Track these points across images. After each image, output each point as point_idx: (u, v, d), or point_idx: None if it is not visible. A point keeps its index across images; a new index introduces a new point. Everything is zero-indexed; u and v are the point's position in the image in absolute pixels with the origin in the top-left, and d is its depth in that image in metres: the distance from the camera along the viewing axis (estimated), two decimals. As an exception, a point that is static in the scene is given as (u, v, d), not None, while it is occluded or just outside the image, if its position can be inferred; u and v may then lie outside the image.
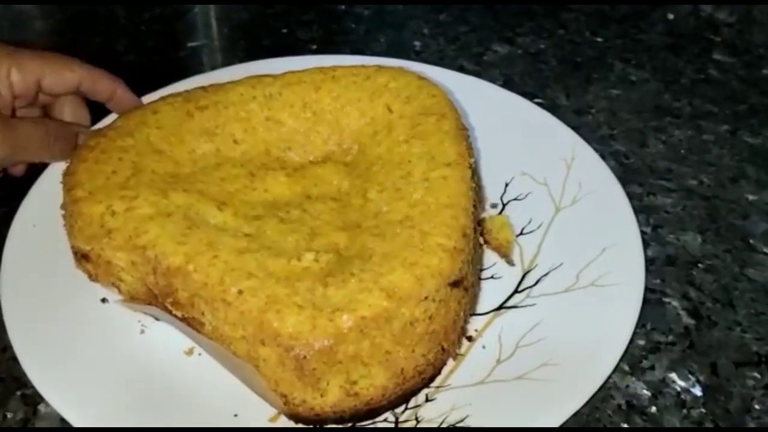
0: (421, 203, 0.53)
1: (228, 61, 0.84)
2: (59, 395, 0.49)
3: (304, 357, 0.45)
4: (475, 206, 0.55)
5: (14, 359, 0.51)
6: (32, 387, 0.50)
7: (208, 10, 0.93)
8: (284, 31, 0.90)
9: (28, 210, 0.61)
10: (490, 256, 0.60)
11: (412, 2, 0.93)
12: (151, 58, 0.86)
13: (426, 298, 0.47)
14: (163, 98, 0.63)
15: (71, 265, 0.56)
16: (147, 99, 0.65)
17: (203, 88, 0.64)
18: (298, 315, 0.46)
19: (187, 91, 0.63)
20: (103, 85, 0.64)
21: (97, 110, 0.69)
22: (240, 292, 0.47)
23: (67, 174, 0.56)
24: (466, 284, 0.51)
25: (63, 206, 0.56)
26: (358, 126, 0.62)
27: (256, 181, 0.57)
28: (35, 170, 0.64)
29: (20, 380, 0.52)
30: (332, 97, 0.63)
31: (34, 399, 0.52)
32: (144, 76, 0.81)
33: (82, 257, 0.55)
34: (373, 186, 0.56)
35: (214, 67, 0.82)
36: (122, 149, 0.57)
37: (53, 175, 0.62)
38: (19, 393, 0.52)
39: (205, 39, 0.90)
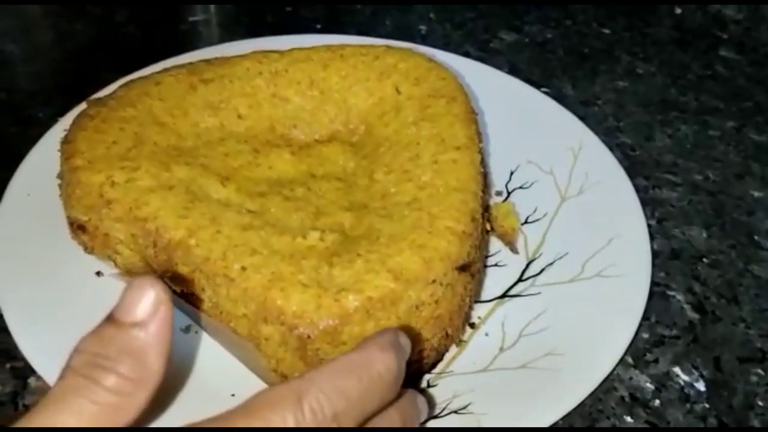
0: (430, 186, 0.52)
1: (229, 37, 0.82)
2: (51, 367, 0.47)
3: (308, 337, 0.44)
4: (483, 191, 0.54)
5: (4, 330, 0.50)
6: (22, 360, 0.49)
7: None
8: (288, 9, 0.88)
9: (22, 179, 0.59)
10: (494, 244, 0.59)
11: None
12: (152, 30, 0.84)
13: (433, 281, 0.47)
14: (166, 70, 0.61)
15: (66, 236, 0.55)
16: (150, 70, 0.63)
17: (208, 61, 0.62)
18: (303, 294, 0.45)
19: (191, 64, 0.62)
20: None
21: (96, 79, 0.67)
22: (243, 268, 0.46)
23: (65, 142, 0.55)
24: (473, 269, 0.50)
25: (60, 175, 0.54)
26: (365, 106, 0.60)
27: (260, 158, 0.56)
28: (29, 139, 0.63)
29: (9, 353, 0.51)
30: (340, 75, 0.61)
31: (24, 372, 0.50)
32: (144, 49, 0.80)
33: (78, 228, 0.53)
34: (380, 167, 0.55)
35: (215, 42, 0.80)
36: (123, 119, 0.56)
37: (48, 143, 0.61)
38: (8, 366, 0.51)
39: (207, 14, 0.88)
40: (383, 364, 0.36)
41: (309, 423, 0.33)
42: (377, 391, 0.36)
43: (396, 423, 0.38)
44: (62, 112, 0.66)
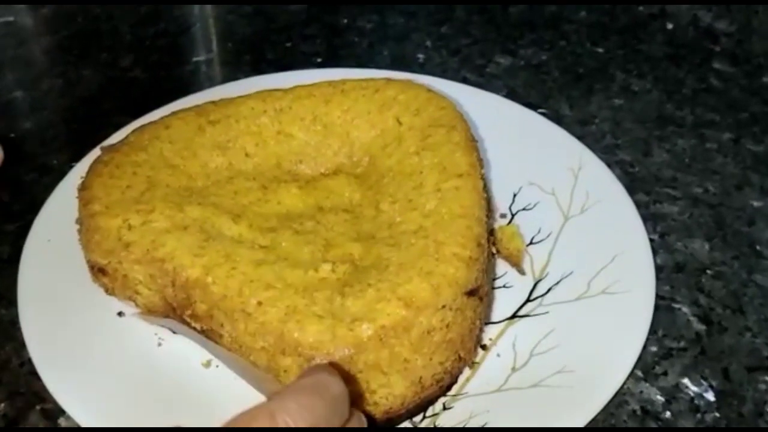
0: (435, 213, 0.53)
1: (233, 75, 0.84)
2: (80, 408, 0.49)
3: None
4: (487, 216, 0.56)
5: (33, 374, 0.52)
6: (51, 402, 0.51)
7: (209, 25, 0.94)
8: (288, 44, 0.91)
9: (43, 225, 0.61)
10: (501, 266, 0.61)
11: (414, 16, 0.94)
12: (157, 73, 0.86)
13: (443, 306, 0.48)
14: (174, 113, 0.63)
15: (87, 279, 0.56)
16: (157, 114, 0.65)
17: (213, 102, 0.64)
18: (319, 325, 0.46)
19: (197, 106, 0.64)
20: None
21: (106, 124, 0.69)
22: (259, 303, 0.48)
23: (82, 189, 0.56)
24: (481, 293, 0.51)
25: (78, 221, 0.56)
26: (368, 138, 0.62)
27: (269, 194, 0.58)
28: (44, 186, 0.65)
29: (39, 395, 0.52)
30: (342, 110, 0.63)
31: (54, 413, 0.52)
32: (151, 91, 0.82)
33: (98, 271, 0.55)
34: (385, 197, 0.57)
35: (219, 81, 0.82)
36: (136, 164, 0.58)
37: (66, 190, 0.62)
38: (38, 407, 0.52)
39: (209, 53, 0.90)
40: (337, 386, 0.40)
41: None
42: (338, 409, 0.39)
43: None
44: (75, 158, 0.68)
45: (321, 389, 0.39)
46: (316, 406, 0.38)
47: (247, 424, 0.36)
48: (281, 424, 0.36)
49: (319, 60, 0.88)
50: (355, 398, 0.47)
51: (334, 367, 0.45)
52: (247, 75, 0.82)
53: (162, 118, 0.63)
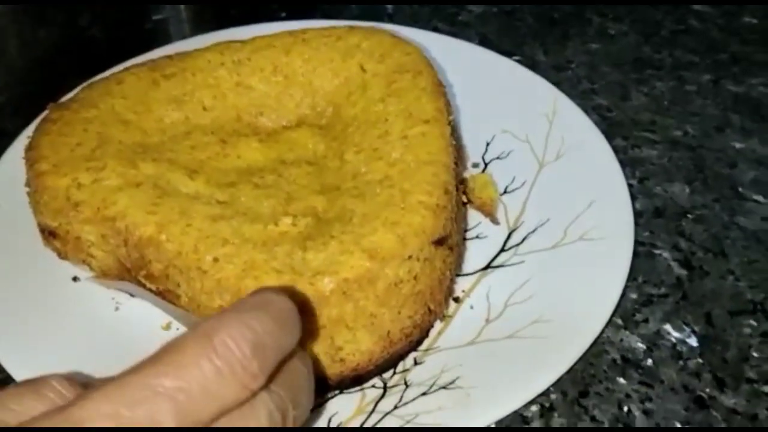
0: (400, 162, 0.51)
1: (194, 33, 0.81)
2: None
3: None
4: (456, 163, 0.53)
5: (-16, 344, 0.49)
6: (3, 371, 0.48)
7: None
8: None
9: (-7, 191, 0.58)
10: (474, 216, 0.58)
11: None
12: (116, 32, 0.83)
13: (410, 257, 0.46)
14: (127, 68, 0.60)
15: (40, 244, 0.54)
16: (112, 71, 0.62)
17: (169, 56, 0.61)
18: (278, 280, 0.44)
19: (151, 60, 0.61)
20: None
21: (63, 86, 0.66)
22: (215, 259, 0.45)
23: (29, 149, 0.54)
24: (450, 243, 0.49)
25: (27, 183, 0.53)
26: (331, 87, 0.59)
27: (228, 148, 0.55)
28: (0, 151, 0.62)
29: (-9, 365, 0.50)
30: (303, 59, 0.60)
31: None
32: (110, 51, 0.78)
33: (49, 234, 0.52)
34: (350, 147, 0.54)
35: (181, 39, 0.79)
36: (86, 120, 0.55)
37: (15, 153, 0.59)
38: (-9, 378, 0.50)
39: (171, 11, 0.87)
40: (283, 302, 0.35)
41: (224, 360, 0.31)
42: (286, 325, 0.34)
43: (304, 373, 0.37)
44: (31, 123, 0.65)
45: (265, 304, 0.34)
46: (260, 320, 0.32)
47: (180, 350, 0.31)
48: (219, 346, 0.31)
49: (283, 15, 0.85)
50: (320, 354, 0.45)
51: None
52: (211, 32, 0.79)
53: (114, 73, 0.60)
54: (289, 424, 0.34)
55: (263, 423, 0.32)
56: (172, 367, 0.31)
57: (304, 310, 0.42)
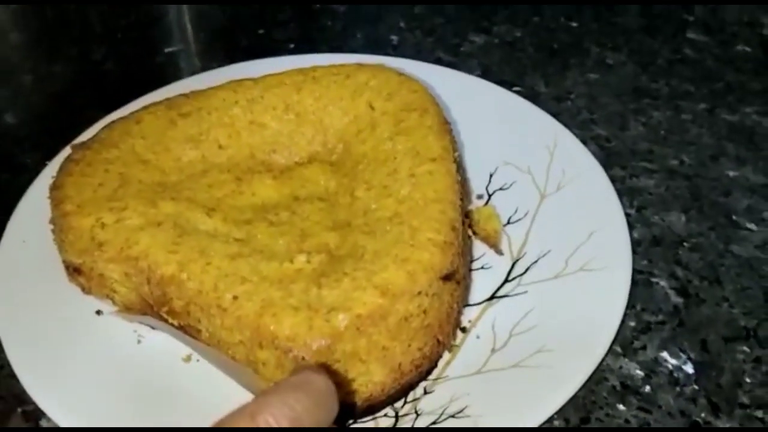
0: (409, 199, 0.53)
1: (206, 65, 0.84)
2: (60, 409, 0.49)
3: (303, 358, 0.45)
4: (462, 199, 0.56)
5: (12, 376, 0.51)
6: (32, 403, 0.50)
7: (182, 14, 0.93)
8: (261, 31, 0.90)
9: (16, 226, 0.61)
10: (479, 247, 0.61)
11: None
12: (130, 65, 0.86)
13: (419, 293, 0.48)
14: (145, 108, 0.63)
15: (64, 279, 0.56)
16: (129, 109, 0.65)
17: (185, 95, 0.64)
18: (294, 317, 0.46)
19: (168, 99, 0.63)
20: None
21: (80, 119, 0.69)
22: (235, 297, 0.48)
23: (54, 188, 0.56)
24: (458, 277, 0.52)
25: (52, 221, 0.56)
26: (341, 125, 0.62)
27: (243, 186, 0.58)
28: (19, 186, 0.64)
29: (20, 397, 0.52)
30: (314, 97, 0.63)
31: (35, 414, 0.52)
32: (124, 84, 0.81)
33: (74, 271, 0.55)
34: (360, 184, 0.56)
35: (192, 72, 0.82)
36: (108, 161, 0.57)
37: (39, 189, 0.62)
38: (20, 410, 0.52)
39: (182, 44, 0.89)
40: (321, 381, 0.39)
41: None
42: (323, 404, 0.38)
43: None
44: (49, 156, 0.67)
45: (304, 384, 0.38)
46: (299, 400, 0.37)
47: (228, 426, 0.36)
48: (262, 424, 0.35)
49: (292, 46, 0.87)
50: (335, 386, 0.48)
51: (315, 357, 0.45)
52: (220, 64, 0.81)
53: (132, 113, 0.62)
54: None
55: None
56: None
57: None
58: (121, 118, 0.62)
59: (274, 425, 0.35)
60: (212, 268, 0.49)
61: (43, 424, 0.52)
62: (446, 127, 0.59)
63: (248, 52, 0.86)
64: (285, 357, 0.46)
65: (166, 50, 0.88)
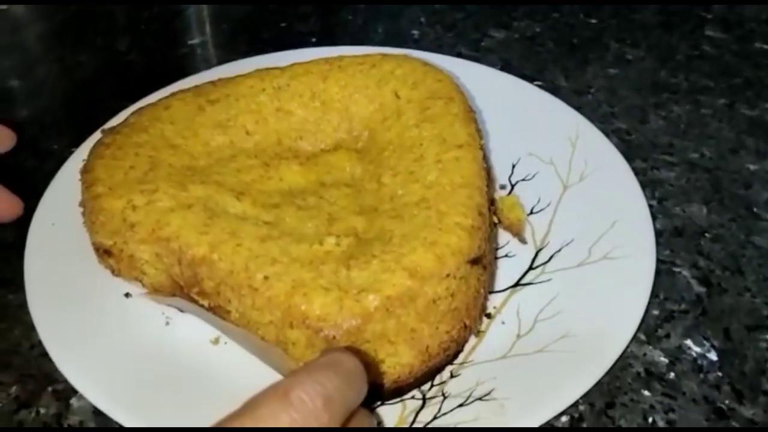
0: (436, 184, 0.54)
1: (229, 57, 0.84)
2: (91, 387, 0.50)
3: (334, 337, 0.46)
4: (487, 186, 0.56)
5: (44, 356, 0.52)
6: (63, 382, 0.51)
7: (204, 7, 0.94)
8: (283, 24, 0.91)
9: (47, 209, 0.61)
10: (503, 236, 0.61)
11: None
12: (153, 56, 0.86)
13: (447, 275, 0.49)
14: (173, 94, 0.63)
15: (93, 261, 0.57)
16: (156, 97, 0.66)
17: (212, 82, 0.65)
18: (325, 297, 0.47)
19: (196, 86, 0.64)
20: None
21: (104, 108, 0.70)
22: (266, 277, 0.48)
23: (85, 172, 0.57)
24: (484, 262, 0.52)
25: (82, 203, 0.57)
26: (367, 113, 0.63)
27: (270, 171, 0.58)
28: (46, 172, 0.65)
29: (50, 376, 0.53)
30: (340, 86, 0.64)
31: (66, 393, 0.52)
32: (147, 75, 0.82)
33: (104, 252, 0.55)
34: (386, 171, 0.57)
35: (215, 64, 0.82)
36: (138, 145, 0.58)
37: (67, 174, 0.63)
38: (50, 389, 0.53)
39: (204, 36, 0.90)
40: (351, 361, 0.40)
41: (299, 412, 0.36)
42: (353, 383, 0.39)
43: (371, 424, 0.42)
44: (74, 143, 0.68)
45: (334, 364, 0.39)
46: (330, 378, 0.38)
47: (259, 404, 0.36)
48: (295, 401, 0.36)
49: (313, 39, 0.88)
50: (364, 367, 0.48)
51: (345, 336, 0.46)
52: (242, 56, 0.81)
53: (161, 99, 0.63)
54: None
55: None
56: (252, 420, 0.35)
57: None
58: (150, 104, 0.63)
59: (308, 402, 0.36)
60: (243, 249, 0.50)
61: (74, 402, 0.52)
62: (471, 115, 0.60)
63: (270, 44, 0.87)
64: (315, 336, 0.47)
65: (189, 42, 0.89)
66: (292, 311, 0.47)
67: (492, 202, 0.61)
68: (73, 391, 0.51)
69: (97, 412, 0.50)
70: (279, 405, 0.36)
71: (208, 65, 0.83)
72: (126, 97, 0.72)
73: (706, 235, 0.63)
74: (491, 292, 0.56)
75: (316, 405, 0.36)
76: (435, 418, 0.48)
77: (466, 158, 0.55)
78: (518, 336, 0.54)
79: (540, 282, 0.57)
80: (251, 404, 0.37)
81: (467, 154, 0.56)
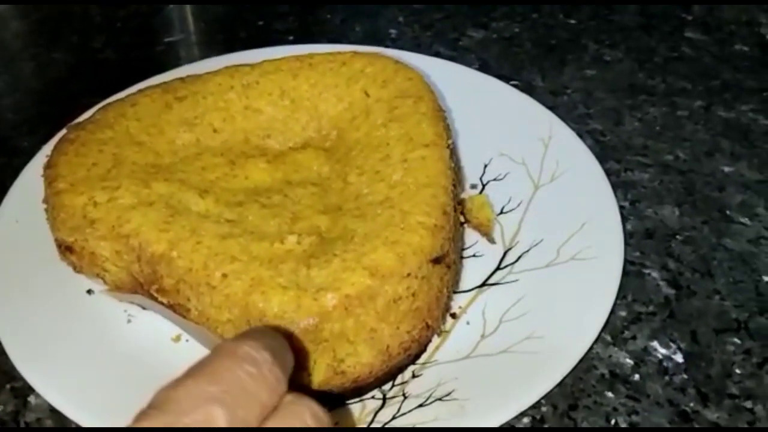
0: (401, 184, 0.54)
1: (205, 55, 0.84)
2: (49, 385, 0.49)
3: (291, 336, 0.46)
4: (454, 185, 0.56)
5: (2, 353, 0.52)
6: (21, 380, 0.51)
7: (182, 5, 0.94)
8: (260, 23, 0.90)
9: (10, 206, 0.61)
10: (471, 236, 0.61)
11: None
12: (129, 54, 0.86)
13: (408, 275, 0.48)
14: (141, 90, 0.63)
15: (56, 258, 0.56)
16: (126, 93, 0.65)
17: (181, 79, 0.64)
18: (283, 295, 0.46)
19: (164, 83, 0.64)
20: None
21: (78, 106, 0.69)
22: (224, 275, 0.48)
23: (47, 167, 0.56)
24: (447, 261, 0.52)
25: (45, 200, 0.56)
26: (336, 112, 0.62)
27: (236, 169, 0.58)
28: (14, 169, 0.64)
29: (8, 374, 0.52)
30: (309, 84, 0.63)
31: (23, 391, 0.52)
32: (122, 73, 0.81)
33: (65, 249, 0.55)
34: (353, 170, 0.57)
35: (191, 62, 0.82)
36: (102, 141, 0.57)
37: (33, 171, 0.62)
38: (8, 386, 0.53)
39: (182, 34, 0.90)
40: (276, 334, 0.37)
41: (255, 365, 0.33)
42: (285, 348, 0.36)
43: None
44: (46, 140, 0.67)
45: (263, 332, 0.37)
46: (267, 338, 0.35)
47: (210, 364, 0.33)
48: (244, 355, 0.33)
49: (291, 38, 0.88)
50: (323, 366, 0.48)
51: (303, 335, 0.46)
52: (220, 54, 0.81)
53: (128, 95, 0.63)
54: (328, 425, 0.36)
55: (309, 423, 0.34)
56: (210, 376, 0.33)
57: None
58: (117, 100, 0.62)
59: (257, 355, 0.34)
60: (203, 247, 0.50)
61: (32, 400, 0.52)
62: (440, 114, 0.59)
63: (247, 43, 0.86)
64: (273, 335, 0.46)
65: (166, 40, 0.89)
66: (249, 309, 0.47)
67: (461, 201, 0.61)
68: (31, 389, 0.51)
69: (55, 410, 0.50)
70: (230, 361, 0.33)
71: (185, 63, 0.83)
72: (99, 94, 0.71)
73: (677, 237, 0.63)
74: (457, 292, 0.56)
75: (266, 357, 0.34)
76: (394, 418, 0.48)
77: (432, 157, 0.55)
78: (482, 336, 0.53)
79: (507, 282, 0.57)
80: (200, 364, 0.34)
81: (433, 153, 0.55)
